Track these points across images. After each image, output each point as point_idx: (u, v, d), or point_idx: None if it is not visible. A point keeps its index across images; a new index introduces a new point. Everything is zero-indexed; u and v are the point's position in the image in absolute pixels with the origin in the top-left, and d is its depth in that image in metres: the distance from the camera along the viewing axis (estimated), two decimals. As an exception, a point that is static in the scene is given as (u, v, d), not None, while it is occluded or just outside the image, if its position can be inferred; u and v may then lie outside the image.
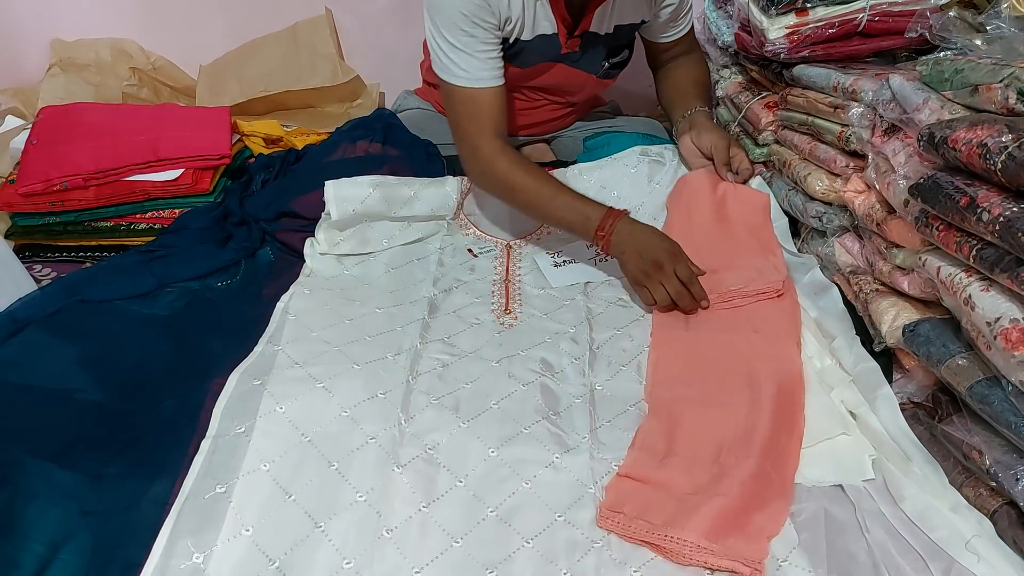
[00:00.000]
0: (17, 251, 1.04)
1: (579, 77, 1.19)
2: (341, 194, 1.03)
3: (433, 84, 1.41)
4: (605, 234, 0.95)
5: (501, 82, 1.05)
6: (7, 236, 1.08)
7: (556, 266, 1.01)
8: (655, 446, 0.73)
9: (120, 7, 1.54)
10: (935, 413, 0.74)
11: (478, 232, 1.08)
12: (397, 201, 1.05)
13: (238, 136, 1.25)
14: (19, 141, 1.15)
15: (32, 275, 0.98)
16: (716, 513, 0.63)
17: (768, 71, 1.15)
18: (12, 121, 1.32)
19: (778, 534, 0.64)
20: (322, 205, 1.03)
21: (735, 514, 0.64)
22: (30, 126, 1.17)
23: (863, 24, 0.99)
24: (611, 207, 0.98)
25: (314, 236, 1.03)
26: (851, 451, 0.73)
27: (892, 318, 0.80)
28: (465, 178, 1.11)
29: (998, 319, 0.60)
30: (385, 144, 1.15)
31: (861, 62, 1.03)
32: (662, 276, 0.91)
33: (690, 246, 0.95)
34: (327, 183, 1.03)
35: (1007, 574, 0.60)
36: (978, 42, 0.77)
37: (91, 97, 1.41)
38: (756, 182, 1.11)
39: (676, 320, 0.91)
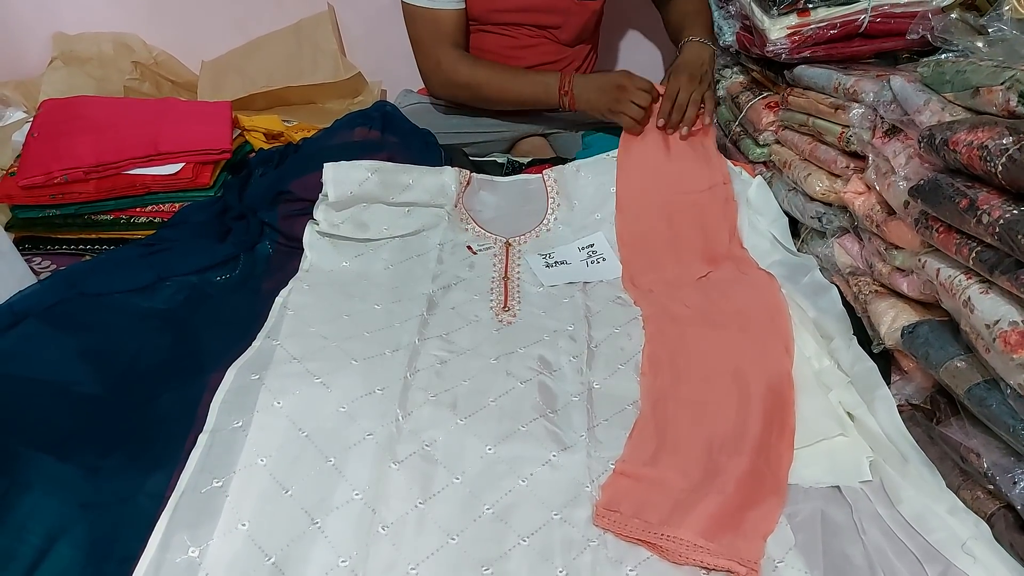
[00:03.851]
0: (17, 243, 1.04)
1: (551, 5, 1.23)
2: (339, 176, 1.03)
3: None
4: (568, 91, 1.14)
5: (461, 6, 1.18)
6: (7, 228, 1.07)
7: (548, 266, 1.01)
8: (648, 440, 0.73)
9: (123, 1, 1.54)
10: (933, 415, 0.74)
11: (477, 228, 1.08)
12: (395, 187, 1.05)
13: (239, 131, 1.25)
14: (20, 134, 1.15)
15: (31, 267, 0.98)
16: (712, 512, 0.63)
17: (769, 71, 1.15)
18: (14, 114, 1.32)
19: (773, 532, 0.64)
20: (320, 187, 1.03)
21: (731, 512, 0.64)
22: (31, 119, 1.17)
23: (865, 25, 0.99)
24: (563, 70, 1.17)
25: (313, 218, 1.03)
26: (848, 452, 0.73)
27: (891, 319, 0.80)
28: (463, 169, 1.11)
29: (997, 321, 0.60)
30: (383, 132, 1.16)
31: (862, 63, 1.03)
32: (628, 95, 1.08)
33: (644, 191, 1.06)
34: (326, 165, 1.03)
35: (1003, 577, 0.60)
36: (979, 44, 0.77)
37: (93, 91, 1.41)
38: (756, 182, 1.11)
39: (664, 314, 0.91)
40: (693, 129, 1.10)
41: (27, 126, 1.15)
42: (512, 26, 1.27)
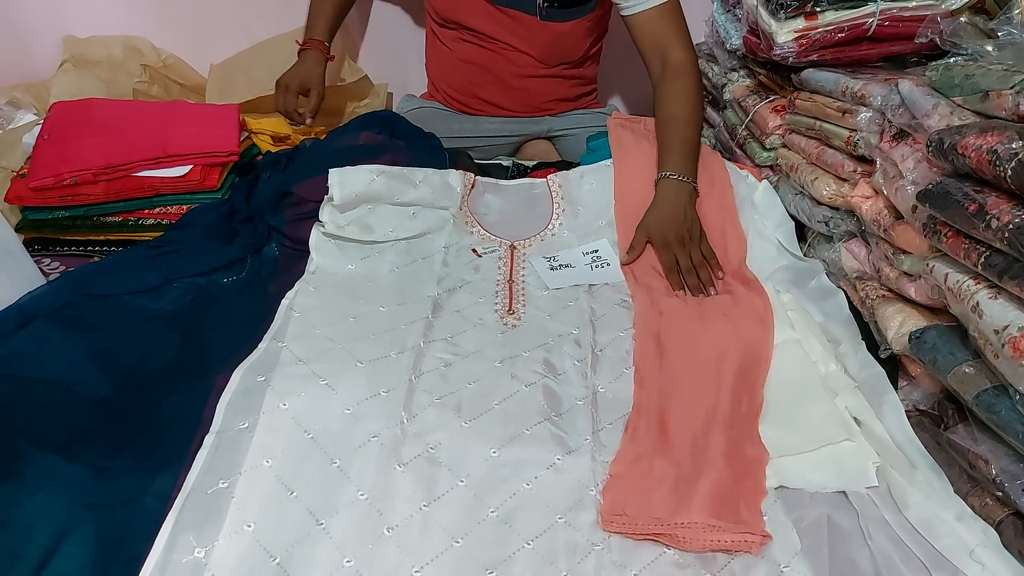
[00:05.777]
0: (27, 244, 1.05)
1: (513, 20, 1.23)
2: (345, 179, 1.04)
3: (435, 83, 1.43)
4: (299, 50, 1.30)
5: None
6: (17, 230, 1.08)
7: (552, 269, 1.01)
8: (639, 438, 0.74)
9: (133, 5, 1.55)
10: (941, 421, 0.74)
11: (482, 231, 1.08)
12: (401, 188, 1.06)
13: (246, 133, 1.26)
14: (31, 136, 1.16)
15: (41, 268, 0.98)
16: (712, 490, 0.66)
17: (776, 75, 1.15)
18: (24, 116, 1.33)
19: (765, 495, 0.67)
20: (325, 189, 1.04)
21: (728, 485, 0.67)
22: (42, 121, 1.18)
23: (873, 29, 0.98)
24: (319, 40, 1.31)
25: (319, 219, 1.03)
26: (855, 458, 0.73)
27: (898, 324, 0.79)
28: (468, 172, 1.12)
29: (1006, 327, 0.60)
30: (389, 135, 1.16)
31: (870, 67, 1.02)
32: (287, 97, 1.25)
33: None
34: (331, 170, 1.04)
35: (1011, 584, 0.59)
36: (989, 48, 0.77)
37: (102, 93, 1.41)
38: (762, 186, 1.10)
39: (651, 308, 0.92)
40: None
41: (37, 128, 1.15)
42: (486, 37, 1.29)
